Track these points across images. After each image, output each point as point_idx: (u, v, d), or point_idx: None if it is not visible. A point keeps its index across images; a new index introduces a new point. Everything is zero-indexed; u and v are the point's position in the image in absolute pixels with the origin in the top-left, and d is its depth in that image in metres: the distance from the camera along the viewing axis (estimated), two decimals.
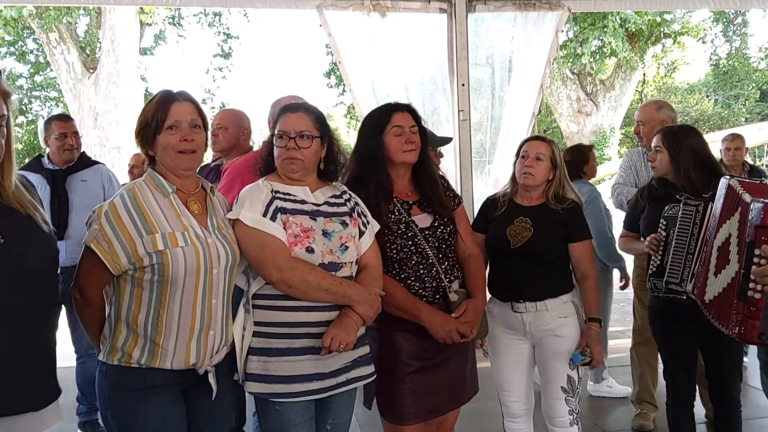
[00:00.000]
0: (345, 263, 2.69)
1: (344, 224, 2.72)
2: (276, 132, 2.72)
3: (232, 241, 2.55)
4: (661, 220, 3.43)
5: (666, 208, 3.43)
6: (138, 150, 2.60)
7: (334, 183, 2.87)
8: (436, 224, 3.07)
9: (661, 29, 18.48)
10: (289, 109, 2.75)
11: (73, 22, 15.37)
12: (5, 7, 13.03)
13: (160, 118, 2.43)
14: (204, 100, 20.27)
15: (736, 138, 6.25)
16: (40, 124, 5.03)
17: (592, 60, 18.20)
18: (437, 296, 3.00)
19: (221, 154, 4.43)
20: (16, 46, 19.91)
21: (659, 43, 19.16)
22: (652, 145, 3.63)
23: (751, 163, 6.72)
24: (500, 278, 3.45)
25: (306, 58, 63.47)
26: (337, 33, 6.53)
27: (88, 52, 16.03)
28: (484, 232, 3.49)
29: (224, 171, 3.68)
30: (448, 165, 6.59)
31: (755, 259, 2.41)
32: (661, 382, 4.30)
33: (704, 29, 22.50)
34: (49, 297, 2.20)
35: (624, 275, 5.42)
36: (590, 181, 5.60)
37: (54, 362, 2.22)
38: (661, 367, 4.04)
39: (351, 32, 6.60)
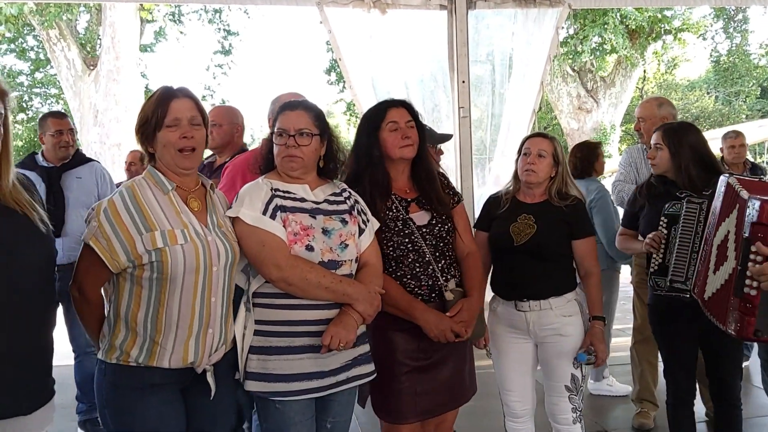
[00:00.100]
0: (345, 261, 2.68)
1: (344, 222, 2.72)
2: (275, 130, 2.71)
3: (232, 239, 2.54)
4: (662, 218, 3.42)
5: (666, 205, 3.42)
6: (137, 147, 2.59)
7: (333, 181, 2.86)
8: (434, 222, 3.05)
9: (662, 26, 18.46)
10: (288, 106, 2.74)
11: (74, 19, 15.36)
12: (6, 3, 13.03)
13: (159, 115, 2.42)
14: (204, 97, 20.26)
15: (740, 135, 6.22)
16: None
17: (592, 57, 18.18)
18: (433, 295, 2.99)
19: (215, 151, 4.42)
20: (17, 43, 19.92)
21: (660, 39, 19.13)
22: (652, 142, 3.62)
23: (752, 160, 6.68)
24: (503, 276, 3.44)
25: (306, 54, 63.57)
26: (338, 30, 6.53)
27: (88, 49, 16.01)
28: (487, 230, 3.48)
29: (225, 169, 3.66)
30: (449, 162, 6.59)
31: (752, 256, 2.41)
32: (662, 380, 4.29)
33: (705, 26, 22.45)
34: (46, 296, 2.19)
35: None
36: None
37: (51, 363, 2.21)
38: (661, 365, 4.04)
39: (351, 29, 6.60)
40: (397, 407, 2.98)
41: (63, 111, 6.67)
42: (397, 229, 2.98)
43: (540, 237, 3.29)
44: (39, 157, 4.82)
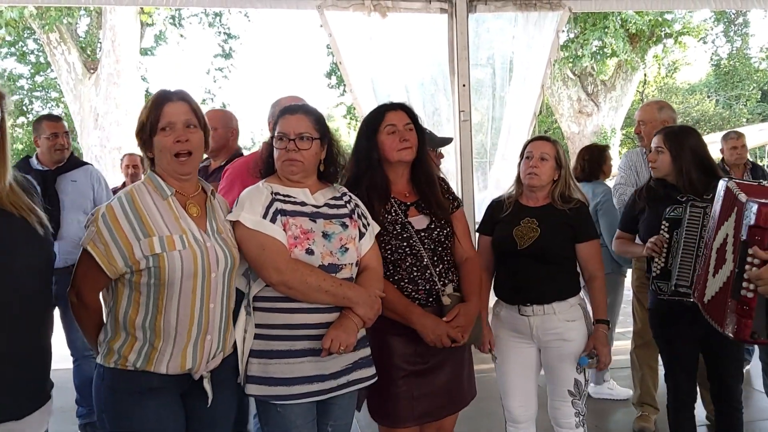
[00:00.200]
0: (345, 265, 2.68)
1: (344, 226, 2.72)
2: (276, 134, 2.71)
3: (231, 245, 2.53)
4: (663, 222, 3.41)
5: (667, 209, 3.41)
6: (135, 150, 2.58)
7: (334, 184, 2.86)
8: (432, 226, 3.05)
9: (662, 29, 18.46)
10: (288, 110, 2.74)
11: (74, 23, 15.35)
12: (6, 7, 13.03)
13: (153, 119, 2.42)
14: (204, 100, 20.26)
15: (741, 136, 6.18)
16: None
17: (592, 61, 18.17)
18: (430, 299, 2.98)
19: (209, 155, 4.41)
20: (17, 47, 19.90)
21: (660, 43, 19.13)
22: (653, 145, 3.62)
23: (752, 161, 6.64)
24: (507, 280, 3.43)
25: (307, 58, 63.63)
26: (338, 33, 6.53)
27: (88, 52, 16.00)
28: (490, 234, 3.48)
29: (224, 172, 3.66)
30: (449, 166, 6.59)
31: (749, 259, 2.41)
32: (662, 384, 4.29)
33: (705, 29, 22.46)
34: (44, 299, 2.17)
35: None
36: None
37: (49, 365, 2.20)
38: (661, 369, 4.03)
39: (352, 32, 6.60)
40: (395, 411, 2.97)
41: (58, 114, 6.65)
42: (395, 232, 2.97)
43: (543, 240, 3.28)
44: (33, 161, 4.81)
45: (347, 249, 2.69)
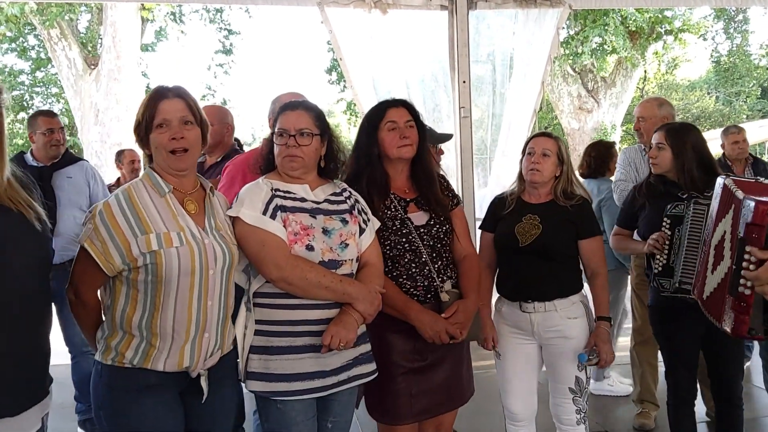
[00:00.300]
0: (345, 261, 2.68)
1: (344, 222, 2.72)
2: (276, 130, 2.71)
3: (230, 242, 2.53)
4: (665, 219, 3.41)
5: (668, 206, 3.41)
6: (134, 146, 2.58)
7: (334, 180, 2.86)
8: (432, 222, 3.05)
9: (662, 26, 18.44)
10: (289, 107, 2.74)
11: (75, 19, 15.35)
12: (7, 3, 13.03)
13: (149, 116, 2.41)
14: (205, 96, 20.25)
15: (742, 130, 6.15)
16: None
17: (592, 58, 18.16)
18: (429, 296, 2.99)
19: (205, 151, 4.39)
20: (18, 42, 19.90)
21: (660, 40, 19.11)
22: (654, 141, 3.61)
23: (753, 155, 6.59)
24: (509, 277, 3.43)
25: (307, 54, 63.55)
26: (338, 30, 6.51)
27: (89, 48, 16.01)
28: (492, 231, 3.48)
29: (224, 169, 3.66)
30: (449, 162, 6.59)
31: (746, 256, 2.41)
32: (662, 380, 4.29)
33: (705, 26, 22.42)
34: (42, 295, 2.15)
35: None
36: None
37: (48, 362, 2.19)
38: (661, 366, 4.03)
39: (352, 29, 6.58)
40: (393, 408, 2.98)
41: (52, 110, 6.62)
42: (394, 228, 2.98)
43: (545, 237, 3.28)
44: (28, 157, 4.79)
45: (347, 245, 2.69)
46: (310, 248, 2.59)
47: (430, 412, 3.05)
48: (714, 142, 5.63)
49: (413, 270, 2.97)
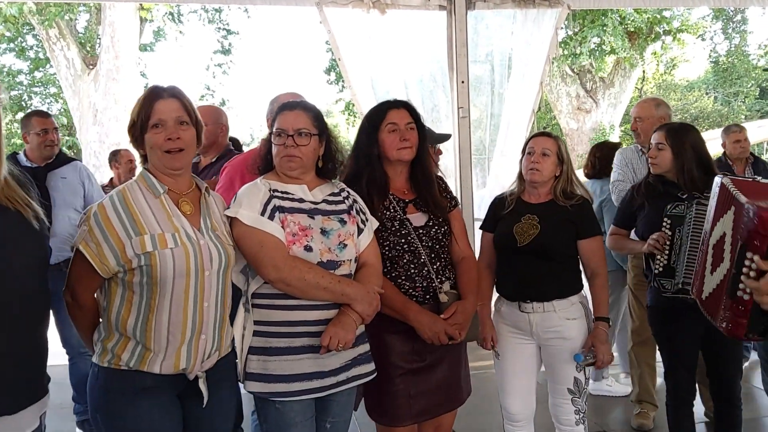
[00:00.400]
0: (344, 261, 2.68)
1: (343, 222, 2.72)
2: (274, 130, 2.71)
3: (226, 243, 2.51)
4: (665, 219, 3.41)
5: (668, 206, 3.41)
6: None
7: (332, 181, 2.86)
8: (430, 224, 3.05)
9: (661, 26, 18.46)
10: (287, 107, 2.74)
11: (73, 19, 15.34)
12: (6, 3, 13.02)
13: (144, 117, 2.40)
14: (203, 96, 20.25)
15: (743, 129, 6.12)
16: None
17: (591, 58, 18.17)
18: (427, 296, 2.99)
19: (200, 151, 4.39)
20: (16, 42, 19.88)
21: (659, 40, 19.13)
22: (654, 142, 3.61)
23: (755, 154, 6.54)
24: (508, 277, 3.42)
25: (306, 54, 63.54)
26: (337, 30, 6.51)
27: (87, 48, 16.00)
28: (493, 231, 3.47)
29: (223, 170, 3.65)
30: (448, 162, 6.59)
31: (746, 262, 2.41)
32: (661, 381, 4.29)
33: (703, 26, 22.46)
34: (40, 294, 2.14)
35: None
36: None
37: (45, 360, 2.18)
38: (659, 366, 4.03)
39: (351, 29, 6.58)
40: (392, 410, 2.98)
41: (46, 111, 6.60)
42: (393, 229, 2.97)
43: (544, 237, 3.27)
44: (22, 157, 4.77)
45: (346, 245, 2.69)
46: (308, 249, 2.59)
47: (429, 413, 3.05)
48: (712, 143, 5.63)
49: (412, 271, 2.97)
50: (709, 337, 3.40)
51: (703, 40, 24.84)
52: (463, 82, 6.53)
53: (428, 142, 3.29)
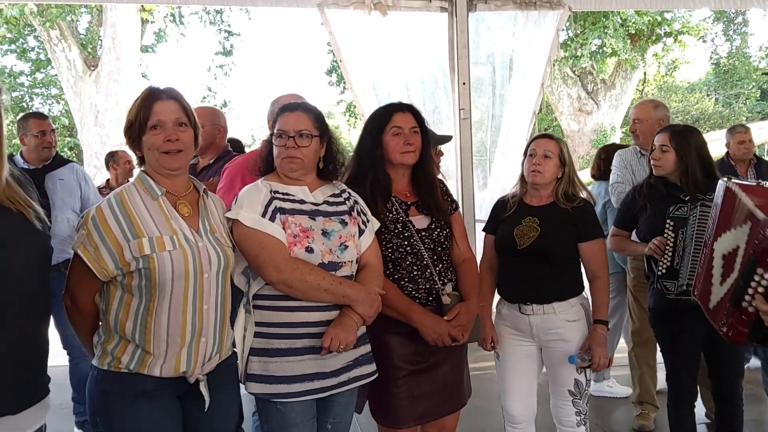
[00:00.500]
0: (345, 262, 2.68)
1: (344, 223, 2.72)
2: (275, 131, 2.71)
3: (225, 245, 2.51)
4: (668, 221, 3.41)
5: (671, 208, 3.41)
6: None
7: (333, 182, 2.86)
8: (433, 226, 3.05)
9: (662, 28, 18.47)
10: (288, 108, 2.74)
11: (75, 20, 15.37)
12: (7, 5, 13.03)
13: (142, 118, 2.38)
14: (205, 98, 20.26)
15: (748, 130, 6.05)
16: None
17: (592, 60, 18.18)
18: (430, 298, 2.99)
19: (197, 152, 4.37)
20: (17, 44, 19.90)
21: (660, 42, 19.14)
22: (657, 143, 3.60)
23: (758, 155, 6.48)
24: (508, 279, 3.42)
25: (307, 56, 63.67)
26: (338, 31, 6.51)
27: (89, 49, 16.03)
28: (494, 234, 3.47)
29: (223, 171, 3.65)
30: (449, 163, 6.59)
31: (756, 277, 2.41)
32: (662, 381, 4.28)
33: (705, 28, 22.47)
34: (42, 294, 2.13)
35: None
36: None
37: (46, 360, 2.17)
38: (660, 367, 4.03)
39: (352, 31, 6.58)
40: (395, 411, 2.98)
41: (42, 112, 6.58)
42: (396, 231, 2.98)
43: (544, 240, 3.26)
44: (18, 159, 4.76)
45: (347, 246, 2.69)
46: (309, 250, 2.58)
47: (431, 414, 3.05)
48: (713, 144, 5.61)
49: (415, 273, 2.97)
50: (711, 339, 3.38)
51: (704, 41, 24.89)
52: (464, 83, 6.53)
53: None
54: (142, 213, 2.36)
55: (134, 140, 2.43)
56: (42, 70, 20.99)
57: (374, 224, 2.87)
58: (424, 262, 2.98)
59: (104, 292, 2.40)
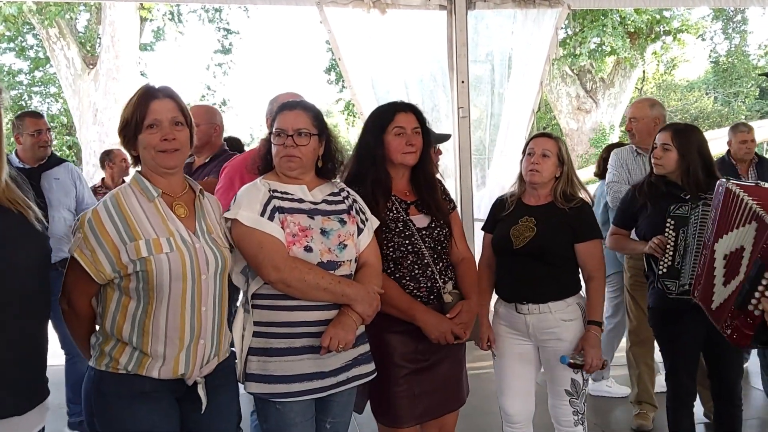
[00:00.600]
0: (344, 261, 2.68)
1: (342, 222, 2.71)
2: (274, 130, 2.70)
3: (222, 246, 2.49)
4: (669, 220, 3.40)
5: (671, 207, 3.40)
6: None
7: (332, 180, 2.85)
8: (433, 225, 3.06)
9: (661, 27, 18.46)
10: (286, 106, 2.73)
11: (73, 18, 15.36)
12: (5, 3, 13.02)
13: (139, 117, 2.36)
14: (204, 96, 20.25)
15: (751, 129, 5.96)
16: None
17: (591, 59, 18.16)
18: (431, 297, 2.99)
19: (193, 151, 4.36)
20: (16, 42, 19.87)
21: (659, 40, 19.12)
22: (659, 142, 3.59)
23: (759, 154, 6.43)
24: (504, 278, 3.42)
25: (306, 54, 63.50)
26: (337, 30, 6.51)
27: (88, 47, 16.01)
28: (492, 233, 3.47)
29: (222, 170, 3.65)
30: (448, 162, 6.59)
31: (764, 282, 2.41)
32: (660, 381, 4.28)
33: (704, 27, 22.44)
34: (42, 295, 2.13)
35: None
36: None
37: (46, 361, 2.17)
38: (658, 366, 4.03)
39: (351, 29, 6.58)
40: (395, 410, 2.97)
41: (38, 111, 6.56)
42: (397, 230, 2.97)
43: (540, 240, 3.26)
44: (13, 158, 4.75)
45: (346, 245, 2.68)
46: (308, 249, 2.58)
47: (431, 413, 3.05)
48: (712, 143, 5.60)
49: (416, 271, 2.97)
50: (711, 339, 3.38)
51: (703, 40, 24.84)
52: (463, 81, 6.53)
53: None
54: (139, 215, 2.34)
55: (129, 139, 2.41)
56: (41, 68, 20.94)
57: (373, 223, 2.86)
58: (425, 261, 2.98)
59: (101, 295, 2.39)
